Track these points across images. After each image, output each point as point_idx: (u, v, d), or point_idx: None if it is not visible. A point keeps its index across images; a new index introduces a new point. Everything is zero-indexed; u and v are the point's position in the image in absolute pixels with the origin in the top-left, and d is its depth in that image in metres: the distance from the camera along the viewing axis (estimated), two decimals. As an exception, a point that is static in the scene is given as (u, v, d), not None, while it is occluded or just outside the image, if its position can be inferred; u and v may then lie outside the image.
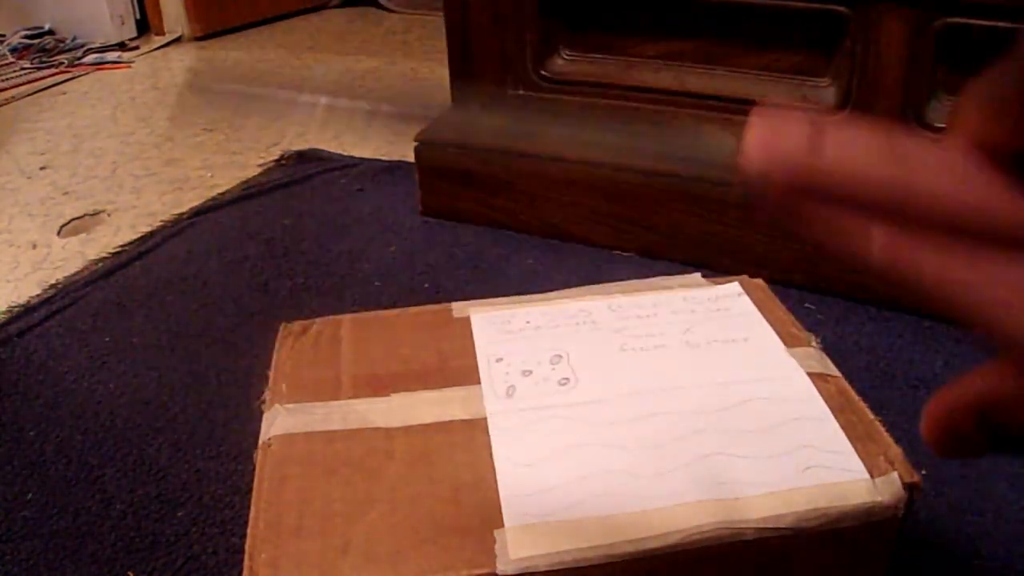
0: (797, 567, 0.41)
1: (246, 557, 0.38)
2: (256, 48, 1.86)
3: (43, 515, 0.58)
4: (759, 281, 0.57)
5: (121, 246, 0.97)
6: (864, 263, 0.19)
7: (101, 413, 0.68)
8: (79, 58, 1.75)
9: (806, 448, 0.42)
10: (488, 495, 0.40)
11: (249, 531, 0.39)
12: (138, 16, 1.89)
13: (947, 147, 0.19)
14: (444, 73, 0.96)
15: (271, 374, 0.50)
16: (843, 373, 0.48)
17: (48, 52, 1.76)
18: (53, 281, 0.90)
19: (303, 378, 0.49)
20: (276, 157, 1.21)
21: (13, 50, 1.74)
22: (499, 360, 0.49)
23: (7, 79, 1.63)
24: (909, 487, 0.40)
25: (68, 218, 1.06)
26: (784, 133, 0.19)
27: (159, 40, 1.88)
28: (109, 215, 1.06)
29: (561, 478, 0.41)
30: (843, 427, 0.43)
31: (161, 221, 1.03)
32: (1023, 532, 0.55)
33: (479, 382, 0.47)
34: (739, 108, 0.84)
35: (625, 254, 0.91)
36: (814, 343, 0.50)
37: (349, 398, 0.47)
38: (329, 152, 1.22)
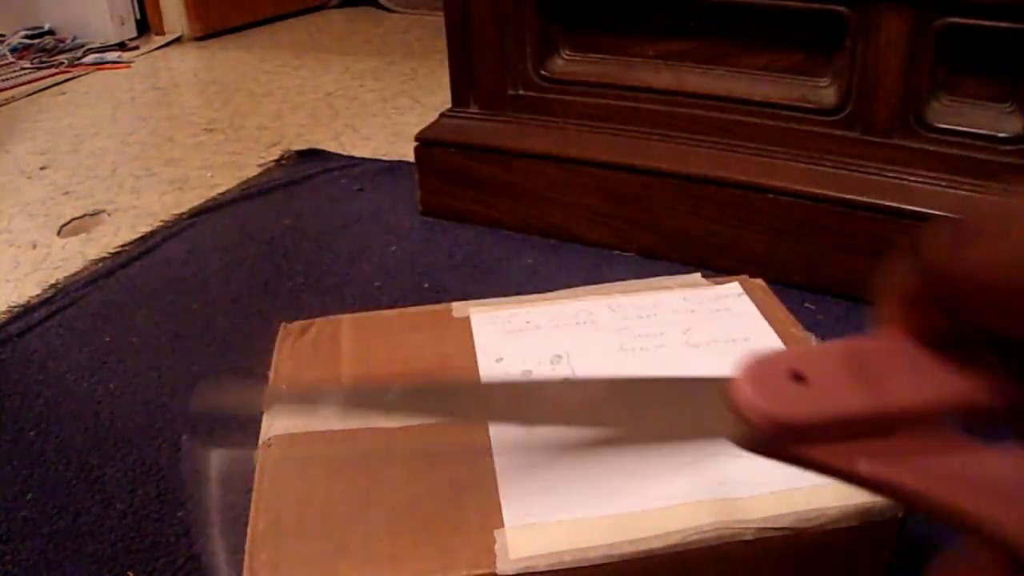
0: (797, 567, 0.41)
1: (246, 557, 0.38)
2: (256, 48, 1.86)
3: (43, 515, 0.58)
4: (759, 281, 0.57)
5: (121, 246, 0.97)
6: (855, 481, 0.21)
7: (101, 413, 0.68)
8: (79, 58, 1.75)
9: (806, 448, 0.42)
10: (488, 495, 0.40)
11: (249, 531, 0.39)
12: (138, 16, 1.89)
13: (890, 342, 0.22)
14: (444, 73, 0.96)
15: (271, 374, 0.50)
16: (843, 373, 0.48)
17: (48, 52, 1.76)
18: (53, 281, 0.90)
19: (303, 378, 0.49)
20: (276, 157, 1.21)
21: (13, 50, 1.74)
22: (499, 360, 0.49)
23: (7, 79, 1.63)
24: (909, 487, 0.40)
25: (68, 218, 1.06)
26: (765, 393, 0.21)
27: (159, 40, 1.89)
28: (109, 215, 1.06)
29: (561, 478, 0.41)
30: (843, 427, 0.43)
31: (161, 221, 1.03)
32: (1023, 532, 0.55)
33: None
34: (739, 108, 0.84)
35: (625, 254, 0.91)
36: (814, 343, 0.50)
37: (349, 398, 0.47)
38: (329, 152, 1.22)
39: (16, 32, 1.79)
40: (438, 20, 1.03)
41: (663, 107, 0.87)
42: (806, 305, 0.80)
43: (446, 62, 0.95)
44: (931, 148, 0.76)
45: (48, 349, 0.77)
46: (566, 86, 0.91)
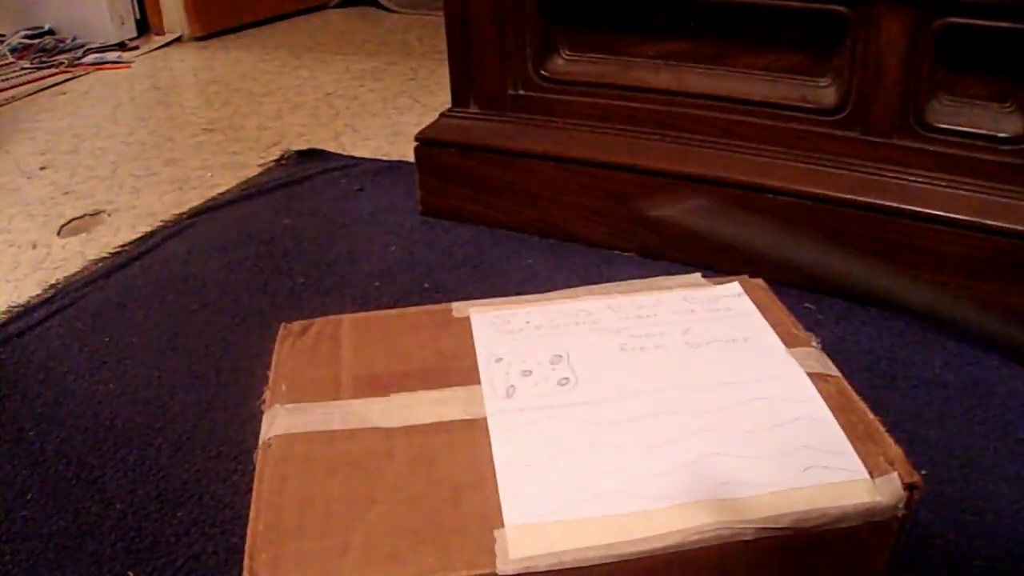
0: (797, 567, 0.41)
1: (246, 557, 0.38)
2: (256, 48, 1.86)
3: (43, 515, 0.58)
4: (759, 281, 0.57)
5: (121, 246, 0.97)
6: None
7: (101, 413, 0.68)
8: (79, 58, 1.75)
9: (806, 448, 0.42)
10: (488, 495, 0.40)
11: (249, 531, 0.39)
12: (138, 16, 1.89)
13: None
14: (444, 73, 0.96)
15: (271, 374, 0.50)
16: (843, 373, 0.48)
17: (48, 52, 1.76)
18: (53, 281, 0.90)
19: (303, 378, 0.49)
20: (276, 157, 1.21)
21: (13, 50, 1.74)
22: (499, 360, 0.49)
23: (7, 79, 1.63)
24: (909, 487, 0.40)
25: (68, 218, 1.06)
26: None
27: (159, 40, 1.89)
28: (109, 215, 1.06)
29: (561, 478, 0.41)
30: (843, 427, 0.43)
31: (161, 221, 1.03)
32: (1023, 532, 0.55)
33: (479, 382, 0.48)
34: (739, 108, 0.84)
35: (625, 254, 0.91)
36: (814, 343, 0.50)
37: (349, 398, 0.47)
38: (329, 152, 1.22)
39: (16, 32, 1.79)
40: (438, 20, 1.03)
41: (663, 107, 0.87)
42: (806, 305, 0.80)
43: (446, 62, 0.95)
44: (931, 148, 0.76)
45: (48, 349, 0.77)
46: (566, 86, 0.91)
